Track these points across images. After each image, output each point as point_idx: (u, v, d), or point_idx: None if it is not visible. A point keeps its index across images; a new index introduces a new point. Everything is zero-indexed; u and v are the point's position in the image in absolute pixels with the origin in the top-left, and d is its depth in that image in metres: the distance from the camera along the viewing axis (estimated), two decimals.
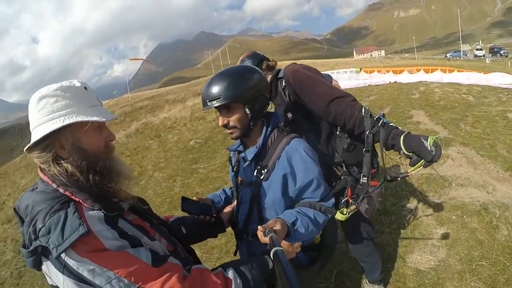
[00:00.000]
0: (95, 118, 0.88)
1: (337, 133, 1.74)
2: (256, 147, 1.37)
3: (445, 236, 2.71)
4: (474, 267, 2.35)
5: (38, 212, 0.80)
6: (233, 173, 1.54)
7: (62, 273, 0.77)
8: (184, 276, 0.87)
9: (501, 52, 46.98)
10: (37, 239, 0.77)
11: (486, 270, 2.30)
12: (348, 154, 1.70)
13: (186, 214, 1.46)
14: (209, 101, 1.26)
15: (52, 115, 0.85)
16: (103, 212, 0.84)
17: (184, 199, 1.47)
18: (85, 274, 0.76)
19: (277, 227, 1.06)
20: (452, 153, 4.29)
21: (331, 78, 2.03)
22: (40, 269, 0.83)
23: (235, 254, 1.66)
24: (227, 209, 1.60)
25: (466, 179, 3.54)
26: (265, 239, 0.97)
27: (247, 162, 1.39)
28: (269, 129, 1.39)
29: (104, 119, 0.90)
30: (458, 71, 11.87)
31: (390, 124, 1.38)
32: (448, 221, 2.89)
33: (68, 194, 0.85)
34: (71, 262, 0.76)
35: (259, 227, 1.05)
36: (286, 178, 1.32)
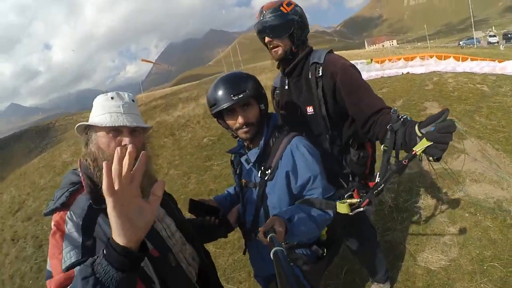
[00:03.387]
0: (95, 122, 1.03)
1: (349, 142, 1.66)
2: (258, 149, 1.38)
3: (457, 235, 2.65)
4: (485, 267, 2.29)
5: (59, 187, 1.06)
6: (236, 175, 1.55)
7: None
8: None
9: None
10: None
11: (498, 271, 2.24)
12: (356, 166, 1.65)
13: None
14: (233, 95, 1.28)
15: (90, 115, 1.09)
16: (90, 202, 0.97)
17: (192, 202, 1.50)
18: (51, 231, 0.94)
19: (277, 227, 1.07)
20: (466, 147, 4.17)
21: None
22: None
23: (244, 253, 1.67)
24: (233, 210, 1.62)
25: (480, 175, 3.44)
26: (266, 240, 0.98)
27: (250, 164, 1.41)
28: (270, 129, 1.41)
29: (104, 124, 1.01)
30: (471, 59, 11.43)
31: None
32: (461, 219, 2.83)
33: (82, 179, 1.03)
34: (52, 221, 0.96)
35: (260, 229, 1.07)
36: (289, 175, 1.34)
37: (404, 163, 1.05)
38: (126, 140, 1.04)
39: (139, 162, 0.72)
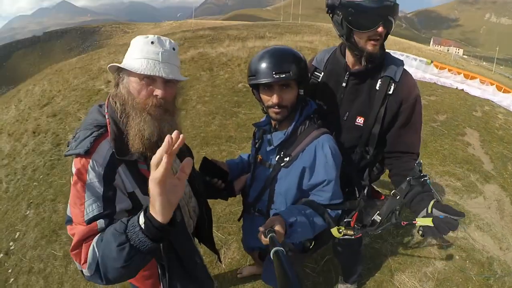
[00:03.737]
0: (131, 66, 0.99)
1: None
2: (284, 134, 1.36)
3: (439, 271, 2.70)
4: None
5: (83, 123, 1.05)
6: (254, 148, 1.55)
7: (71, 168, 0.98)
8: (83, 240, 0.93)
9: None
10: (73, 138, 1.03)
11: None
12: (375, 178, 1.65)
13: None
14: (276, 73, 1.22)
15: (125, 55, 1.05)
16: (112, 150, 0.98)
17: (205, 161, 1.56)
18: (72, 177, 0.96)
19: (277, 227, 1.08)
20: (486, 192, 4.08)
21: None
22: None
23: (238, 220, 1.79)
24: (241, 178, 1.69)
25: (486, 225, 3.39)
26: (265, 240, 1.01)
27: (272, 147, 1.40)
28: (302, 117, 1.37)
29: (139, 71, 0.98)
30: None
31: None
32: (450, 258, 2.86)
33: (107, 122, 1.02)
34: (73, 164, 0.97)
35: (260, 228, 1.07)
36: (305, 170, 1.33)
37: (403, 224, 1.19)
38: (158, 92, 1.01)
39: (184, 166, 0.76)
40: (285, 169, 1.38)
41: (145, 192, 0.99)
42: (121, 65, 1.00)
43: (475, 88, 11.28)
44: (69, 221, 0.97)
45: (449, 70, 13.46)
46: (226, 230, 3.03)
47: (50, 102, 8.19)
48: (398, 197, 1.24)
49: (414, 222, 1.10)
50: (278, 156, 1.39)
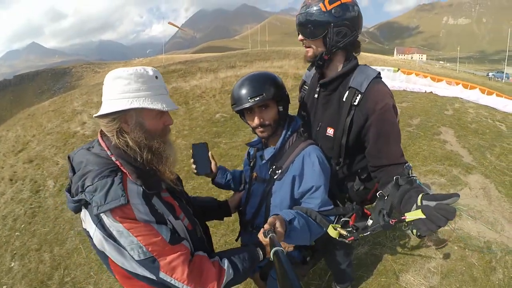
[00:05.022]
0: (159, 107, 1.00)
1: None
2: (274, 148, 1.44)
3: (442, 264, 2.74)
4: None
5: (89, 171, 0.95)
6: (249, 167, 1.62)
7: (96, 226, 0.92)
8: (189, 260, 0.99)
9: None
10: (83, 192, 0.92)
11: None
12: (354, 194, 1.61)
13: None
14: (250, 98, 1.34)
15: (123, 95, 0.98)
16: (142, 188, 0.97)
17: (203, 146, 1.59)
18: (114, 233, 0.91)
19: (278, 227, 1.10)
20: (471, 182, 4.22)
21: None
22: (77, 213, 1.00)
23: (236, 240, 1.76)
24: (235, 197, 1.71)
25: (478, 212, 3.50)
26: (265, 240, 1.02)
27: (264, 161, 1.47)
28: (289, 132, 1.47)
29: (166, 109, 1.02)
30: (497, 94, 11.24)
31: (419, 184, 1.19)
32: (449, 250, 2.91)
33: (118, 164, 0.98)
34: (105, 221, 0.91)
35: (263, 229, 1.09)
36: (295, 179, 1.40)
37: (391, 222, 1.05)
38: (169, 122, 1.11)
39: None
40: (278, 182, 1.44)
41: (176, 217, 1.08)
42: (145, 106, 0.98)
43: (443, 89, 11.91)
44: (154, 253, 0.94)
45: (416, 75, 14.23)
46: None
47: (25, 147, 7.92)
48: (386, 201, 1.18)
49: (403, 217, 0.97)
50: (270, 170, 1.46)
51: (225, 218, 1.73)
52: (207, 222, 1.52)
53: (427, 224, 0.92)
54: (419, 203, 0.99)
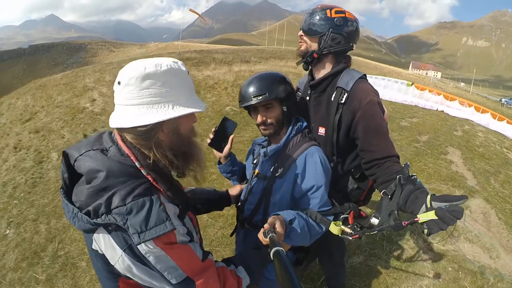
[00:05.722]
0: (198, 110, 0.88)
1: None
2: (278, 146, 1.47)
3: (434, 283, 2.73)
4: None
5: (116, 187, 0.79)
6: (253, 164, 1.61)
7: (124, 251, 0.78)
8: (217, 274, 0.93)
9: None
10: (109, 214, 0.76)
11: None
12: (348, 194, 1.65)
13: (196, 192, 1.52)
14: (254, 97, 1.38)
15: (159, 98, 0.82)
16: (178, 207, 0.87)
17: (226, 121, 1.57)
18: (151, 259, 0.78)
19: (278, 227, 1.09)
20: (472, 205, 4.20)
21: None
22: (88, 233, 0.82)
23: (231, 236, 1.77)
24: (237, 188, 1.70)
25: (475, 236, 3.49)
26: (265, 240, 1.01)
27: (267, 157, 1.49)
28: (293, 132, 1.50)
29: (203, 110, 0.91)
30: (508, 122, 11.13)
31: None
32: (443, 270, 2.90)
33: (150, 179, 0.84)
34: (142, 248, 0.77)
35: (265, 225, 1.09)
36: (297, 177, 1.42)
37: (404, 224, 1.10)
38: (195, 118, 0.99)
39: None
40: (280, 180, 1.45)
41: (197, 231, 1.02)
42: (189, 112, 0.86)
43: (455, 109, 11.82)
44: (192, 277, 0.87)
45: (430, 91, 14.08)
46: (219, 254, 2.97)
47: (33, 117, 7.95)
48: (392, 197, 1.20)
49: (416, 219, 1.03)
50: (272, 167, 1.48)
51: (224, 212, 1.72)
52: (207, 213, 1.53)
53: (439, 225, 0.98)
54: (429, 205, 1.04)
